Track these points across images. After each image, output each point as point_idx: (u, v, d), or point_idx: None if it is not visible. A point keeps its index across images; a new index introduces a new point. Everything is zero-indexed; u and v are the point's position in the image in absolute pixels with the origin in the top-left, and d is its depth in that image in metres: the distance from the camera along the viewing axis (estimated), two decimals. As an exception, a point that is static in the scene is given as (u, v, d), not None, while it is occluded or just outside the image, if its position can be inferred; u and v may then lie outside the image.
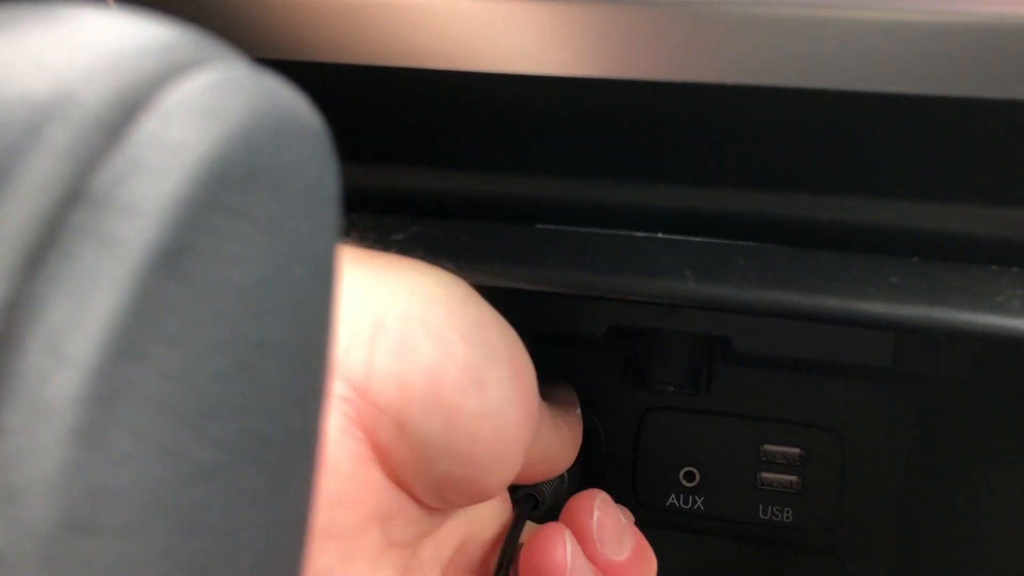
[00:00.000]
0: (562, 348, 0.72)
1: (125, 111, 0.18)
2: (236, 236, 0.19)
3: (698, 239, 0.47)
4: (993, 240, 0.45)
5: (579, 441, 0.59)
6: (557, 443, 0.54)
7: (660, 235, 0.48)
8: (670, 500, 0.72)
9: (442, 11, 0.41)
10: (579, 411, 0.62)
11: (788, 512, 0.70)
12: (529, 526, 0.54)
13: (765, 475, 0.70)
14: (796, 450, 0.70)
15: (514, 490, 0.62)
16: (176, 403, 0.17)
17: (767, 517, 0.70)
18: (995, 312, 0.42)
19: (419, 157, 0.51)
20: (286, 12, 0.42)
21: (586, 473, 0.71)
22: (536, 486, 0.61)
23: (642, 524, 0.73)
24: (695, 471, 0.71)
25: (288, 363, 0.21)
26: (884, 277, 0.44)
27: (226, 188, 0.19)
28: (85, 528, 0.16)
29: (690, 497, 0.72)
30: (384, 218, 0.50)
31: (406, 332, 0.39)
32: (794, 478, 0.70)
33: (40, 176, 0.16)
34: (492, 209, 0.50)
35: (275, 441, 0.21)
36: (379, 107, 0.49)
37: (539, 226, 0.49)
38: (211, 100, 0.19)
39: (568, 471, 0.63)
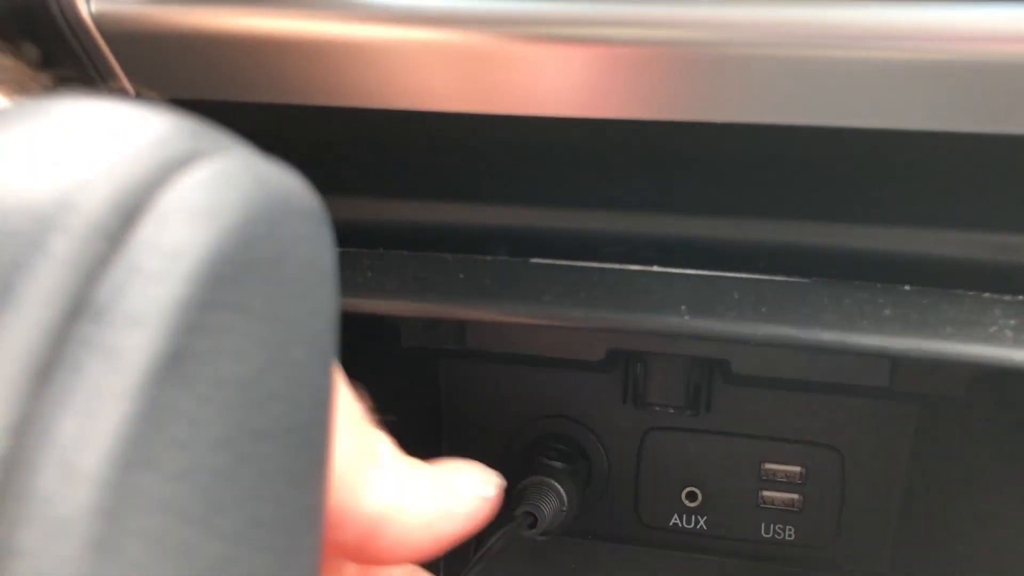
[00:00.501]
0: (562, 371, 0.73)
1: (124, 216, 0.18)
2: (234, 331, 0.19)
3: (692, 272, 0.47)
4: (986, 265, 0.46)
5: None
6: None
7: (655, 268, 0.48)
8: (673, 520, 0.72)
9: (447, 54, 0.41)
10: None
11: (790, 530, 0.71)
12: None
13: (766, 493, 0.71)
14: (797, 468, 0.70)
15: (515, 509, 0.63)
16: (183, 503, 0.18)
17: (769, 535, 0.71)
18: (988, 343, 0.42)
19: (414, 191, 0.51)
20: (302, 56, 0.43)
21: (586, 495, 0.72)
22: (535, 505, 0.61)
23: (645, 544, 0.74)
24: (697, 491, 0.71)
25: (289, 446, 0.21)
26: (878, 309, 0.44)
27: (222, 285, 0.19)
28: (99, 637, 0.16)
29: (693, 516, 0.72)
30: (384, 253, 0.51)
31: None
32: (795, 496, 0.70)
33: (44, 290, 0.17)
34: (486, 242, 0.51)
35: (281, 523, 0.21)
36: (376, 144, 0.50)
37: (534, 260, 0.49)
38: (206, 197, 0.19)
39: (567, 493, 0.63)
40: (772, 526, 0.71)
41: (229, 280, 0.19)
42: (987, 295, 0.45)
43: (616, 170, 0.48)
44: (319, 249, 0.23)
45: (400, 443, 0.74)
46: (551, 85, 0.41)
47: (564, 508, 0.63)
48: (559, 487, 0.63)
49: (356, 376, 0.66)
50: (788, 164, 0.45)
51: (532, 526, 0.60)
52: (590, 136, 0.45)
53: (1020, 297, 0.45)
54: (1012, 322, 0.43)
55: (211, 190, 0.20)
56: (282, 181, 0.22)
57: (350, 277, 0.49)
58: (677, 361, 0.66)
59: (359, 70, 0.43)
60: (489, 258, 0.50)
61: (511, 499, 0.64)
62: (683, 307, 0.45)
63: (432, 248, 0.52)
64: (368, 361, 0.66)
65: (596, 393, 0.72)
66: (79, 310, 0.17)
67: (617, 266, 0.49)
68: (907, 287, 0.46)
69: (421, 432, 0.74)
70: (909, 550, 0.67)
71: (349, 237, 0.54)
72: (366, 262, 0.50)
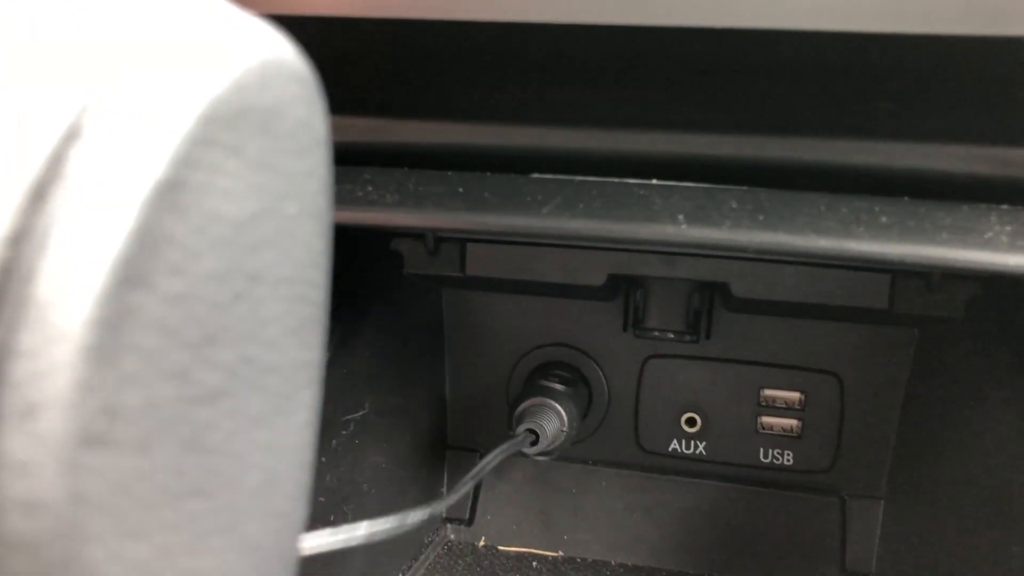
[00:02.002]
0: (563, 300, 0.74)
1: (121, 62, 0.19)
2: (228, 171, 0.20)
3: (691, 184, 0.48)
4: (982, 178, 0.46)
5: None
6: None
7: (655, 181, 0.48)
8: (672, 446, 0.73)
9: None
10: None
11: (788, 455, 0.72)
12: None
13: (765, 419, 0.72)
14: (796, 394, 0.71)
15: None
16: (179, 328, 0.18)
17: (768, 460, 0.72)
18: (983, 248, 0.43)
19: (416, 109, 0.51)
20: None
21: (586, 420, 0.73)
22: (537, 423, 0.62)
23: (645, 469, 0.75)
24: (696, 417, 0.72)
25: (283, 296, 0.22)
26: (875, 217, 0.45)
27: (217, 125, 0.19)
28: (99, 442, 0.17)
29: (692, 442, 0.73)
30: (386, 171, 0.51)
31: None
32: (794, 422, 0.71)
33: (45, 111, 0.17)
34: (489, 160, 0.51)
35: (276, 369, 0.22)
36: (376, 60, 0.50)
37: (534, 175, 0.49)
38: (202, 44, 0.20)
39: (567, 415, 0.64)
40: (771, 451, 0.72)
41: (224, 122, 0.20)
42: (984, 205, 0.45)
43: (614, 86, 0.48)
44: (311, 111, 0.24)
45: (406, 370, 0.75)
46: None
47: (564, 429, 0.64)
48: (560, 408, 0.64)
49: (364, 303, 0.67)
50: (785, 77, 0.45)
51: (533, 444, 0.61)
52: (590, 51, 0.45)
53: (1018, 206, 0.45)
54: (1008, 228, 0.43)
55: (208, 38, 0.20)
56: (277, 41, 0.23)
57: (351, 191, 0.49)
58: (677, 286, 0.67)
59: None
60: (489, 174, 0.50)
61: (514, 421, 0.65)
62: (680, 216, 0.46)
63: (434, 168, 0.52)
64: (375, 289, 0.67)
65: (597, 321, 0.73)
66: (77, 133, 0.18)
67: (616, 179, 0.49)
68: (905, 198, 0.46)
69: (425, 359, 0.75)
70: (907, 471, 0.68)
71: (351, 157, 0.54)
72: (367, 176, 0.50)
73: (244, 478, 0.21)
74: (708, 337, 0.71)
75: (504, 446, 0.58)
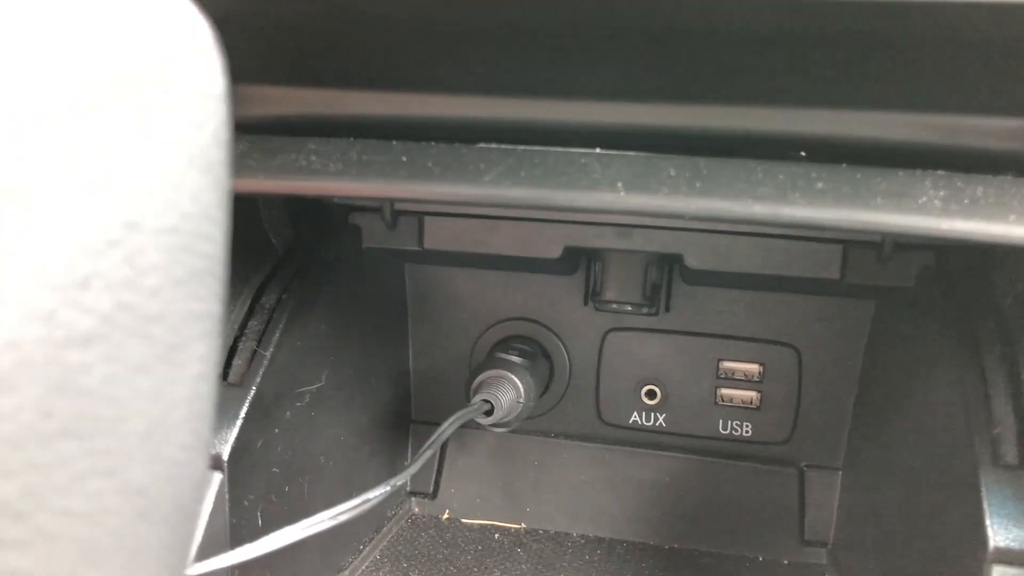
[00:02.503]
0: (525, 274, 0.74)
1: None
2: (107, 116, 0.20)
3: (633, 153, 0.48)
4: (919, 145, 0.46)
5: None
6: None
7: (598, 150, 0.49)
8: (633, 418, 0.74)
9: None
10: None
11: (747, 426, 0.72)
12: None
13: (724, 391, 0.72)
14: (754, 366, 0.72)
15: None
16: (43, 271, 0.19)
17: (727, 432, 0.72)
18: (916, 213, 0.43)
19: (359, 80, 0.52)
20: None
21: (546, 392, 0.73)
22: (492, 394, 0.63)
23: (606, 441, 0.75)
24: (656, 389, 0.73)
25: (167, 246, 0.22)
26: (811, 183, 0.45)
27: (98, 75, 0.20)
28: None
29: (652, 414, 0.74)
30: (331, 141, 0.51)
31: None
32: (753, 393, 0.72)
33: None
34: (435, 130, 0.51)
35: (160, 318, 0.22)
36: (319, 30, 0.50)
37: (479, 145, 0.50)
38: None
39: (524, 387, 0.65)
40: (730, 423, 0.72)
41: (106, 72, 0.20)
42: (920, 170, 0.46)
43: (556, 56, 0.48)
44: (205, 66, 0.24)
45: (367, 343, 0.75)
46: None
47: (521, 400, 0.64)
48: (516, 380, 0.64)
49: (320, 277, 0.67)
50: (724, 46, 0.45)
51: (488, 414, 0.61)
52: (532, 20, 0.45)
53: (950, 171, 0.45)
54: (942, 193, 0.44)
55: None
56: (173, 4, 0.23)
57: (294, 160, 0.50)
58: (633, 258, 0.67)
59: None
60: (434, 144, 0.50)
61: (471, 392, 0.65)
62: (619, 184, 0.46)
63: (379, 137, 0.52)
64: (332, 263, 0.67)
65: (559, 295, 0.73)
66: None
67: (560, 149, 0.49)
68: (844, 165, 0.47)
69: (388, 333, 0.75)
70: (864, 440, 0.68)
71: (298, 128, 0.54)
72: (311, 146, 0.50)
73: (125, 424, 0.22)
74: (668, 310, 0.72)
75: (458, 414, 0.59)
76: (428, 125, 0.52)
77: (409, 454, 0.78)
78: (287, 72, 0.54)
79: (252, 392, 0.55)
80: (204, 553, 0.52)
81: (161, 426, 0.23)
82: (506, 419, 0.63)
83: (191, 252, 0.23)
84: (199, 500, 0.26)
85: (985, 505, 0.46)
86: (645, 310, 0.69)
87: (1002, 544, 0.44)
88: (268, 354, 0.56)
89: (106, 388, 0.21)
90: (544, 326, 0.74)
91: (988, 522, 0.45)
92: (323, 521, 0.50)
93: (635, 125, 0.49)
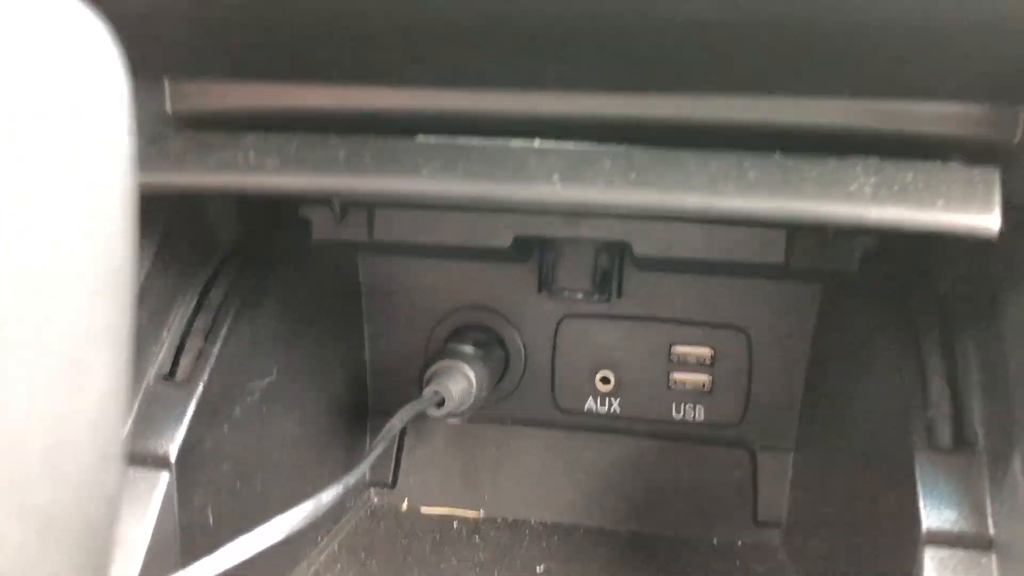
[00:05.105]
0: (478, 263, 0.74)
1: None
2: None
3: (570, 146, 0.48)
4: (849, 131, 0.47)
5: None
6: None
7: (536, 144, 0.49)
8: (588, 404, 0.74)
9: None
10: None
11: (700, 410, 0.73)
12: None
13: (677, 376, 0.73)
14: (706, 350, 0.72)
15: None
16: None
17: (680, 416, 0.73)
18: (846, 201, 0.43)
19: (296, 73, 0.51)
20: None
21: (502, 380, 0.73)
22: (444, 385, 0.63)
23: (562, 428, 0.76)
24: (610, 375, 0.73)
25: (60, 256, 0.22)
26: (743, 172, 0.45)
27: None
28: None
29: (607, 399, 0.74)
30: (268, 135, 0.51)
31: None
32: (705, 377, 0.72)
33: None
34: (373, 123, 0.51)
35: (58, 335, 0.22)
36: (256, 23, 0.49)
37: (418, 140, 0.49)
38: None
39: (476, 376, 0.65)
40: (683, 407, 0.73)
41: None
42: (851, 158, 0.46)
43: (490, 47, 0.48)
44: (105, 70, 0.24)
45: (321, 336, 0.75)
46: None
47: (474, 391, 0.64)
48: (468, 370, 0.64)
49: (267, 271, 0.67)
50: (656, 35, 0.45)
51: (440, 405, 0.62)
52: (466, 11, 0.45)
53: (883, 158, 0.45)
54: (872, 179, 0.44)
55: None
56: (82, 19, 0.23)
57: (232, 157, 0.49)
58: (583, 246, 0.67)
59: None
60: (372, 137, 0.50)
61: (423, 383, 0.65)
62: (555, 176, 0.46)
63: (317, 130, 0.52)
64: (280, 257, 0.67)
65: (512, 283, 0.74)
66: None
67: (498, 142, 0.49)
68: (776, 154, 0.47)
69: (342, 325, 0.75)
70: (813, 422, 0.69)
71: (235, 122, 0.54)
72: (249, 142, 0.50)
73: (23, 446, 0.22)
74: (620, 296, 0.72)
75: (408, 407, 0.59)
76: (366, 117, 0.52)
77: (367, 446, 0.78)
78: (223, 66, 0.54)
79: (199, 389, 0.55)
80: (154, 555, 0.52)
81: (63, 445, 0.23)
82: (459, 410, 0.63)
83: (97, 264, 0.23)
84: (111, 518, 0.26)
85: (919, 487, 0.47)
86: (597, 297, 0.69)
87: (934, 526, 0.45)
88: (215, 350, 0.56)
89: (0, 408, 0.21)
90: (499, 314, 0.74)
91: (921, 504, 0.46)
92: (279, 529, 0.49)
93: (572, 115, 0.49)
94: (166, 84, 0.57)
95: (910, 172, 0.44)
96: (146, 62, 0.53)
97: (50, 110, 0.22)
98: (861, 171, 0.45)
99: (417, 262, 0.75)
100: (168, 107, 0.57)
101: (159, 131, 0.55)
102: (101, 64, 0.24)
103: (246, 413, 0.60)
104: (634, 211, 0.45)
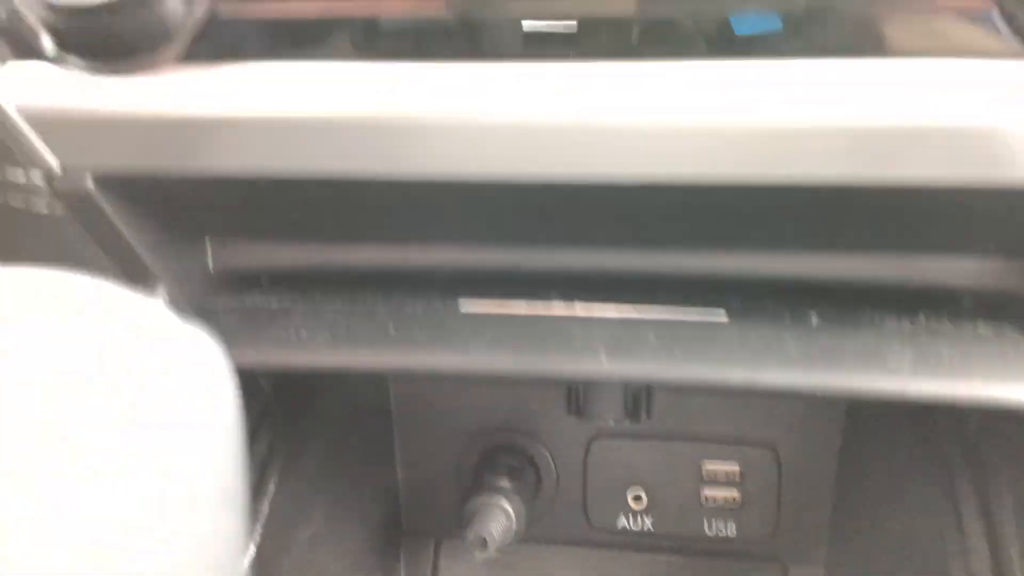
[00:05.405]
0: (509, 386, 0.75)
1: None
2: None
3: (611, 316, 0.49)
4: (885, 286, 0.49)
5: None
6: None
7: (578, 310, 0.50)
8: (620, 522, 0.75)
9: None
10: None
11: (732, 526, 0.74)
12: None
13: (708, 492, 0.74)
14: (735, 466, 0.73)
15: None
16: None
17: (712, 532, 0.74)
18: (887, 378, 0.45)
19: (335, 236, 0.53)
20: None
21: (535, 505, 0.74)
22: (485, 527, 0.64)
23: (595, 546, 0.77)
24: (642, 493, 0.74)
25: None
26: (784, 345, 0.47)
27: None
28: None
29: (639, 517, 0.75)
30: (317, 309, 0.52)
31: None
32: (735, 493, 0.74)
33: None
34: (415, 282, 0.53)
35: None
36: (289, 198, 0.51)
37: (463, 311, 0.51)
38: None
39: (514, 510, 0.66)
40: (715, 523, 0.74)
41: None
42: (887, 324, 0.48)
43: (537, 214, 0.50)
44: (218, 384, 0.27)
45: (360, 466, 0.76)
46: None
47: (513, 527, 0.65)
48: (507, 506, 0.66)
49: (309, 397, 0.68)
50: (697, 199, 0.47)
51: (483, 548, 0.63)
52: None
53: (916, 321, 0.47)
54: (908, 355, 0.46)
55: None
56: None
57: (282, 335, 0.51)
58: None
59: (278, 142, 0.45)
60: (420, 310, 0.51)
61: (463, 518, 0.66)
62: (601, 353, 0.48)
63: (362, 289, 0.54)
64: (320, 383, 0.68)
65: (542, 406, 0.75)
66: None
67: (542, 312, 0.50)
68: (813, 318, 0.49)
69: (376, 451, 0.76)
70: (844, 537, 0.70)
71: (271, 278, 0.56)
72: (297, 319, 0.52)
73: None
74: (649, 415, 0.73)
75: None
76: (399, 274, 0.54)
77: (402, 566, 0.79)
78: (261, 228, 0.56)
79: (252, 551, 0.56)
80: None
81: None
82: (500, 546, 0.64)
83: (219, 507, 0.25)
84: None
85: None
86: (628, 421, 0.71)
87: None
88: (264, 509, 0.57)
89: None
90: (530, 435, 0.75)
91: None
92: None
93: (613, 272, 0.51)
94: (207, 244, 0.58)
95: (944, 344, 0.46)
96: (190, 223, 0.55)
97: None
98: (897, 345, 0.46)
99: (447, 385, 0.76)
100: (210, 265, 0.58)
101: (204, 296, 0.56)
102: (219, 377, 0.26)
103: (293, 562, 0.61)
104: (682, 387, 0.46)
